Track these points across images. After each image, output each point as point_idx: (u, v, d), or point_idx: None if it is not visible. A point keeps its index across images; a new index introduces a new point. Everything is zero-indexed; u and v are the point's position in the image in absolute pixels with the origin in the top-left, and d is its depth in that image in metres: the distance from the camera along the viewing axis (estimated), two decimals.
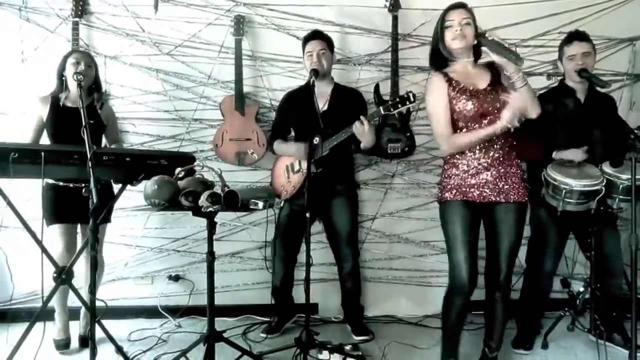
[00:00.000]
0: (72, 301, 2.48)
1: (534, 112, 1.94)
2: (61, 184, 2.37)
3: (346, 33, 3.01)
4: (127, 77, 2.95)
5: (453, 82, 1.98)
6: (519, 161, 2.05)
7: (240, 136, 2.87)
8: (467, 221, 1.97)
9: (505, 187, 1.98)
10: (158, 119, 2.99)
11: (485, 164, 1.97)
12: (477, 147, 1.97)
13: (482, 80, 2.00)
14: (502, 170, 1.98)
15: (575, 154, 2.32)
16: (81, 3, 2.85)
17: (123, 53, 2.95)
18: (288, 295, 2.80)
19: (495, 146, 1.97)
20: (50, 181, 2.37)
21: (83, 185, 2.28)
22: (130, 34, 2.95)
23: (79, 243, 2.49)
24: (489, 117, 1.96)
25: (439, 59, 2.03)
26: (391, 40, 2.91)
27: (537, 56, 3.06)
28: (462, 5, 1.98)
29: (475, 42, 1.95)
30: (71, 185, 2.37)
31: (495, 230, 2.02)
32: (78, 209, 2.32)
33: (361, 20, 3.01)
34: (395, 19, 2.90)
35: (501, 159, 1.98)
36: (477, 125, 1.96)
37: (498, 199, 1.98)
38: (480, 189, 1.98)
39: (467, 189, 1.98)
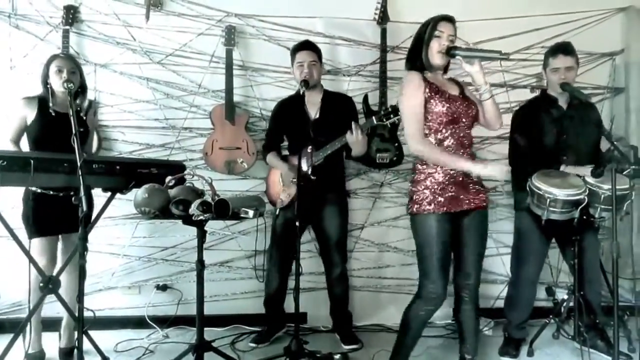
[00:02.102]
0: (48, 312, 2.46)
1: (496, 125, 2.00)
2: (39, 191, 2.27)
3: (336, 44, 3.06)
4: (117, 86, 2.95)
5: (430, 82, 1.96)
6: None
7: (230, 145, 2.88)
8: (445, 234, 1.94)
9: (474, 193, 1.99)
10: (148, 128, 2.98)
11: (455, 175, 1.96)
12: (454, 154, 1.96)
13: (453, 89, 2.03)
14: (466, 181, 1.98)
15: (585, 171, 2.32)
16: (72, 11, 2.85)
17: (113, 61, 2.95)
18: (280, 306, 2.80)
19: (464, 153, 1.98)
20: (32, 189, 2.28)
21: (62, 194, 2.25)
22: (121, 43, 2.95)
23: (60, 253, 2.42)
24: (459, 124, 1.96)
25: (417, 60, 2.00)
26: (380, 52, 2.97)
27: (521, 69, 3.15)
28: (452, 20, 2.00)
29: (448, 57, 1.95)
30: (51, 192, 2.27)
31: (461, 238, 2.02)
32: (59, 219, 2.27)
33: (350, 32, 3.06)
34: (383, 32, 2.97)
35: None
36: (446, 129, 1.94)
37: (468, 207, 1.97)
38: (458, 198, 1.96)
39: (447, 200, 1.93)
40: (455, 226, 1.99)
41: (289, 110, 2.69)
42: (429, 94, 1.93)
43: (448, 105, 1.93)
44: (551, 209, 2.23)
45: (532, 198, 2.31)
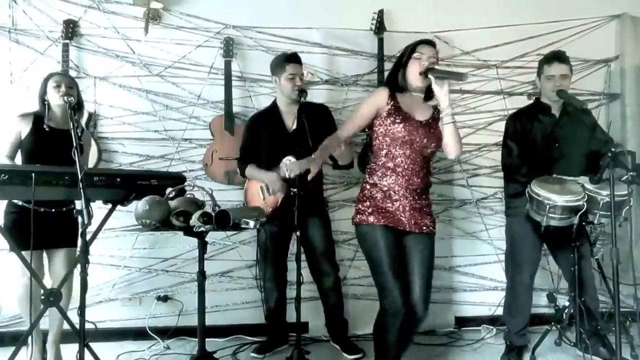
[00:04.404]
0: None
1: (453, 153, 1.95)
2: (27, 205, 2.21)
3: (333, 54, 3.09)
4: (116, 98, 2.97)
5: (395, 100, 1.97)
6: (429, 197, 2.04)
7: (230, 155, 2.89)
8: (391, 244, 1.92)
9: (419, 218, 1.96)
10: (148, 139, 3.00)
11: (403, 192, 1.95)
12: (397, 174, 1.95)
13: (422, 114, 2.00)
14: (417, 201, 1.97)
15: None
16: (71, 25, 2.88)
17: (113, 74, 2.97)
18: (282, 319, 2.79)
19: (415, 177, 1.96)
20: (20, 203, 2.28)
21: (46, 209, 2.24)
22: (120, 56, 2.98)
23: (46, 269, 2.40)
24: (412, 148, 1.95)
25: (394, 82, 2.02)
26: (377, 61, 3.01)
27: (517, 77, 3.18)
28: (432, 43, 2.02)
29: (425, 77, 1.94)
30: (42, 209, 2.25)
31: (405, 262, 1.98)
32: (45, 233, 2.22)
33: (348, 42, 3.09)
34: (380, 41, 3.00)
35: (418, 190, 1.97)
36: (398, 150, 1.95)
37: (410, 228, 1.95)
38: (398, 215, 1.95)
39: (387, 213, 1.94)
40: (399, 245, 1.97)
41: (265, 123, 2.67)
42: (388, 109, 1.96)
43: (403, 126, 1.93)
44: (550, 215, 2.23)
45: (531, 204, 2.32)
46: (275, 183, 2.54)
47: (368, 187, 2.00)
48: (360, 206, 2.00)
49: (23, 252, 2.05)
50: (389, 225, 1.94)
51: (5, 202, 2.35)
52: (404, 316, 1.91)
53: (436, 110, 2.03)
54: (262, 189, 2.65)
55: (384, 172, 1.97)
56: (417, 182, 1.96)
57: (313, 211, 2.64)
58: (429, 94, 2.01)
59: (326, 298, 2.74)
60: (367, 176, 2.03)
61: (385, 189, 1.96)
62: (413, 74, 1.96)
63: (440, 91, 1.91)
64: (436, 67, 1.94)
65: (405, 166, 1.95)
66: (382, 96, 1.99)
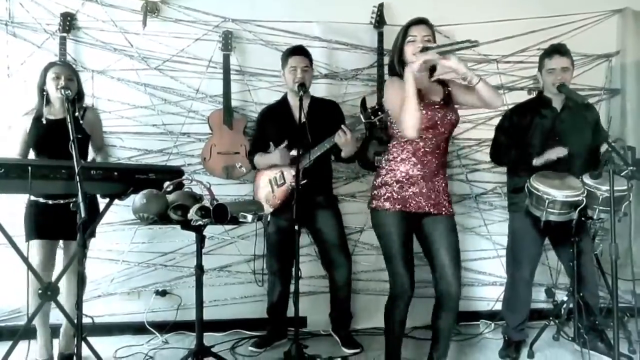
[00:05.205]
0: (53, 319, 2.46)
1: (498, 102, 1.97)
2: (42, 200, 2.32)
3: (333, 49, 3.07)
4: (114, 92, 2.95)
5: None
6: (446, 176, 2.08)
7: (229, 150, 2.88)
8: (403, 231, 2.00)
9: (437, 199, 2.00)
10: (146, 133, 2.98)
11: (421, 175, 1.99)
12: (415, 158, 1.99)
13: (436, 95, 2.02)
14: (433, 183, 2.00)
15: (556, 152, 2.35)
16: (69, 18, 2.85)
17: (111, 68, 2.95)
18: (283, 314, 2.79)
19: (432, 159, 2.00)
20: (32, 198, 2.33)
21: (62, 201, 2.28)
22: (118, 49, 2.96)
23: (60, 259, 2.43)
24: (436, 130, 1.98)
25: (396, 69, 2.03)
26: (377, 55, 2.99)
27: (518, 71, 3.16)
28: (424, 21, 1.99)
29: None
30: (50, 202, 2.30)
31: (430, 245, 2.04)
32: (59, 225, 2.28)
33: (347, 37, 3.07)
34: (380, 35, 2.98)
35: (435, 171, 2.01)
36: (423, 134, 1.96)
37: (429, 210, 2.00)
38: (416, 199, 1.99)
39: (403, 199, 1.99)
40: (420, 230, 2.05)
41: (276, 116, 2.69)
42: None
43: (425, 111, 1.94)
44: (550, 210, 2.23)
45: (530, 199, 2.32)
46: (283, 156, 2.53)
47: (384, 172, 2.04)
48: (375, 192, 2.05)
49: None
50: (404, 211, 1.98)
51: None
52: (440, 304, 2.05)
53: (445, 87, 2.05)
54: (271, 181, 2.64)
55: (403, 158, 2.01)
56: (434, 164, 2.00)
57: (323, 204, 2.66)
58: (432, 71, 2.00)
59: (336, 291, 2.74)
60: (384, 163, 2.07)
61: (403, 174, 2.00)
62: (410, 56, 1.94)
63: (450, 63, 1.85)
64: (431, 45, 1.90)
65: (425, 150, 1.99)
66: (399, 82, 1.95)
